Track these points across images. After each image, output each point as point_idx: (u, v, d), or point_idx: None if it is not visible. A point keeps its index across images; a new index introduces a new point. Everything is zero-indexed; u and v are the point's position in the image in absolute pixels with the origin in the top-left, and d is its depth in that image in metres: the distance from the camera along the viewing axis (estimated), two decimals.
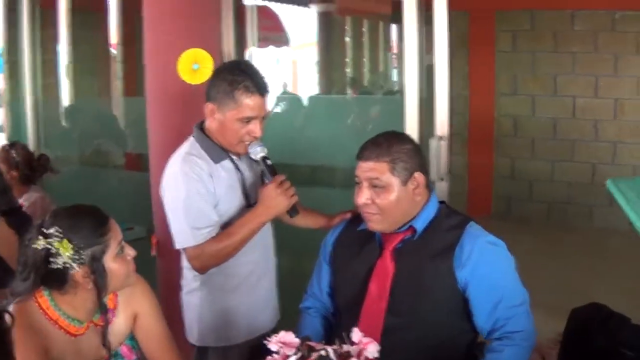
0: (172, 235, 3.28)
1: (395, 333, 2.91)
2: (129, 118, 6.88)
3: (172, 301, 3.62)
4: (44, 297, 2.57)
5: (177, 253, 3.40)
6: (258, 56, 5.78)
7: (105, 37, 8.30)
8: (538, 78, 9.63)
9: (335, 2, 11.26)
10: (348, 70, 12.74)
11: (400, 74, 5.24)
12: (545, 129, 9.66)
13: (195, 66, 4.18)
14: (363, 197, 2.98)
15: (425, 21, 4.06)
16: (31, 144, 6.39)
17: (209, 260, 3.23)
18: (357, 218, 3.24)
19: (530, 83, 9.71)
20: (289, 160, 4.71)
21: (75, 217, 2.57)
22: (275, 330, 2.38)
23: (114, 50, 8.42)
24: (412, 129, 4.02)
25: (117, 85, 8.31)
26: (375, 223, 3.01)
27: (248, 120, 3.20)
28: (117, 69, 8.28)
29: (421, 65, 4.09)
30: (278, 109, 5.88)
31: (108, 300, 2.73)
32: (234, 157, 3.34)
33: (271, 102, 3.56)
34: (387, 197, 2.94)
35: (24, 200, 4.73)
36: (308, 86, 12.18)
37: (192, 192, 3.17)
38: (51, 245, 2.47)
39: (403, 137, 3.15)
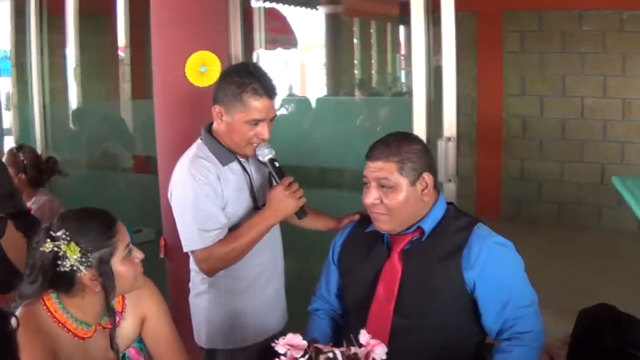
0: (180, 237, 3.28)
1: (403, 335, 2.91)
2: (137, 121, 6.89)
3: (181, 304, 3.63)
4: (51, 300, 2.58)
5: (186, 255, 3.40)
6: (266, 58, 5.77)
7: (113, 40, 8.29)
8: (546, 78, 9.62)
9: (343, 4, 11.25)
10: (356, 71, 12.73)
11: (408, 75, 5.23)
12: (554, 129, 9.64)
13: (203, 69, 4.18)
14: (371, 197, 2.97)
15: (433, 22, 4.06)
16: (39, 146, 6.42)
17: (217, 262, 3.23)
18: (365, 220, 3.24)
19: (539, 83, 9.69)
20: (297, 162, 4.70)
21: (82, 220, 2.58)
22: (283, 333, 2.37)
23: (121, 53, 8.42)
24: (420, 130, 4.01)
25: (125, 88, 8.31)
26: (383, 223, 3.00)
27: (256, 122, 3.20)
28: (125, 72, 8.28)
29: (429, 67, 4.08)
30: (284, 111, 5.86)
31: (116, 303, 2.74)
32: (242, 160, 3.34)
33: (278, 104, 3.55)
34: (396, 197, 2.94)
35: (32, 204, 4.74)
36: (316, 88, 12.16)
37: (200, 194, 3.17)
38: (59, 248, 2.48)
39: (412, 138, 3.14)
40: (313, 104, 6.48)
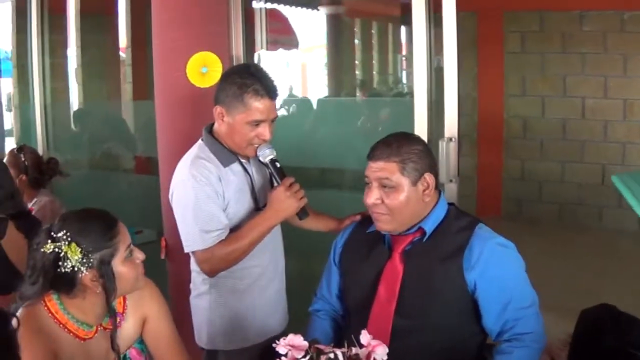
0: (182, 238, 3.28)
1: (404, 335, 2.91)
2: (138, 121, 6.89)
3: (182, 304, 3.63)
4: (52, 301, 2.58)
5: (187, 256, 3.40)
6: (267, 59, 5.76)
7: (115, 40, 8.30)
8: (547, 79, 9.61)
9: (344, 5, 11.25)
10: (357, 72, 12.72)
11: (410, 75, 5.23)
12: (555, 129, 9.63)
13: (204, 69, 4.18)
14: (372, 197, 2.98)
15: (434, 23, 4.06)
16: (40, 147, 6.42)
17: (218, 263, 3.23)
18: (366, 220, 3.24)
19: (540, 84, 9.68)
20: (298, 163, 4.70)
21: (84, 220, 2.58)
22: (284, 333, 2.37)
23: (123, 54, 8.43)
24: (421, 130, 4.01)
25: (127, 88, 8.31)
26: (384, 223, 3.00)
27: (257, 123, 3.20)
28: (126, 73, 8.29)
29: (430, 67, 4.08)
30: (284, 112, 5.86)
31: (117, 303, 2.74)
32: (243, 160, 3.35)
33: (278, 105, 3.56)
34: (397, 198, 2.94)
35: (34, 204, 4.73)
36: (317, 89, 12.15)
37: (201, 195, 3.17)
38: (60, 249, 2.48)
39: (413, 138, 3.14)
40: (314, 105, 6.48)
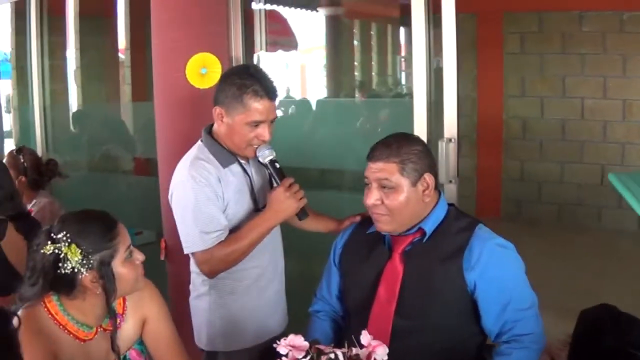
0: (181, 239, 3.28)
1: (404, 336, 2.91)
2: (137, 123, 6.89)
3: (182, 306, 3.62)
4: (52, 302, 2.58)
5: (187, 257, 3.40)
6: (266, 60, 5.76)
7: (114, 42, 8.30)
8: (546, 79, 9.62)
9: (343, 6, 11.25)
10: (356, 73, 12.72)
11: (409, 76, 5.23)
12: (554, 130, 9.64)
13: (204, 70, 4.18)
14: (372, 197, 2.97)
15: (434, 24, 4.06)
16: (39, 149, 6.43)
17: (218, 264, 3.23)
18: (366, 221, 3.24)
19: (539, 85, 9.69)
20: (298, 164, 4.70)
21: (83, 222, 2.58)
22: (284, 334, 2.37)
23: (122, 55, 8.43)
24: (421, 131, 4.02)
25: (126, 90, 8.31)
26: (384, 224, 3.00)
27: (257, 124, 3.20)
28: (125, 74, 8.29)
29: (429, 68, 4.08)
30: (285, 113, 5.86)
31: (117, 305, 2.74)
32: (242, 161, 3.34)
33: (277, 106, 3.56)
34: (397, 198, 2.94)
35: (33, 206, 4.74)
36: (316, 90, 12.16)
37: (200, 196, 3.17)
38: (60, 250, 2.48)
39: (413, 139, 3.14)
40: (313, 106, 6.48)
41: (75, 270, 2.48)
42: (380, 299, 3.00)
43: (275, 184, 3.31)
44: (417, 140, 3.16)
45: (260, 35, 5.87)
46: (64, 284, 2.52)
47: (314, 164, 5.31)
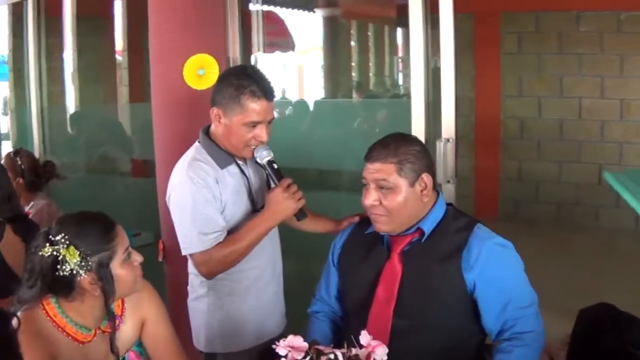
0: (179, 241, 3.27)
1: (404, 336, 2.90)
2: (134, 124, 6.89)
3: (180, 307, 3.62)
4: (51, 305, 2.57)
5: (184, 259, 3.39)
6: (264, 61, 5.75)
7: (111, 43, 8.30)
8: (544, 79, 9.62)
9: (341, 7, 11.25)
10: (354, 74, 12.73)
11: (406, 77, 5.23)
12: (552, 130, 9.64)
13: (201, 72, 4.18)
14: (370, 198, 2.97)
15: (431, 24, 4.06)
16: (37, 151, 6.43)
17: (216, 265, 3.22)
18: (364, 221, 3.24)
19: (536, 84, 9.70)
20: (295, 165, 4.69)
21: (81, 223, 2.57)
22: (282, 335, 2.36)
23: (119, 57, 8.43)
24: (418, 131, 4.02)
25: (123, 91, 8.31)
26: (382, 224, 3.00)
27: (254, 124, 3.19)
28: (122, 76, 8.28)
29: (427, 68, 4.08)
30: (277, 115, 5.87)
31: (115, 306, 2.73)
32: (240, 162, 3.34)
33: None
34: (395, 199, 2.93)
35: (30, 208, 4.73)
36: (314, 90, 12.17)
37: (198, 197, 3.16)
38: (58, 252, 2.47)
39: (410, 139, 3.14)
40: (311, 107, 6.48)
41: (74, 272, 2.48)
42: (379, 299, 3.00)
43: (273, 185, 3.30)
44: (415, 140, 3.16)
45: (257, 37, 5.87)
46: (62, 286, 2.51)
47: (312, 164, 5.31)
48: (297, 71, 12.18)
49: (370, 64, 13.46)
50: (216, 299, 3.40)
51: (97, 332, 2.67)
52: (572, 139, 9.54)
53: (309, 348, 2.26)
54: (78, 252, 2.48)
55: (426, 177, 2.97)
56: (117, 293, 2.61)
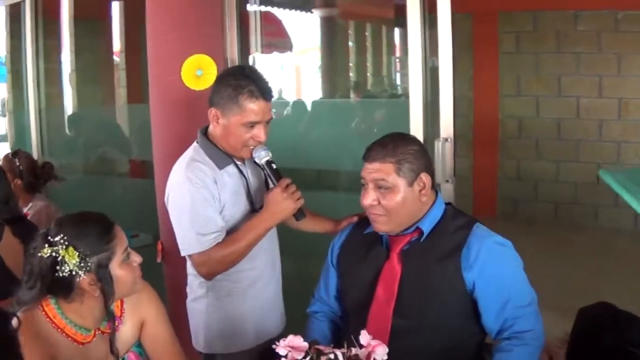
0: (178, 241, 3.27)
1: (403, 336, 2.90)
2: (132, 125, 6.88)
3: (179, 308, 3.62)
4: (50, 306, 2.57)
5: (183, 260, 3.39)
6: (262, 62, 5.75)
7: (109, 45, 8.29)
8: (542, 79, 9.64)
9: (338, 7, 11.25)
10: (351, 74, 12.73)
11: (404, 77, 5.24)
12: (550, 129, 9.66)
13: (199, 72, 4.17)
14: (369, 198, 2.97)
15: (429, 24, 4.06)
16: (35, 152, 6.42)
17: (215, 266, 3.22)
18: (363, 221, 3.23)
19: (534, 84, 9.71)
20: (294, 165, 4.69)
21: (80, 224, 2.57)
22: (282, 336, 2.36)
23: (117, 58, 8.42)
24: (417, 131, 4.02)
25: (121, 92, 8.30)
26: (381, 224, 3.00)
27: (252, 125, 3.19)
28: (120, 77, 8.28)
29: (425, 68, 4.08)
30: (281, 114, 5.86)
31: (114, 307, 2.73)
32: (238, 163, 3.33)
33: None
34: (393, 198, 2.93)
35: (29, 209, 4.72)
36: (312, 91, 12.17)
37: (197, 198, 3.16)
38: (57, 253, 2.47)
39: (409, 138, 3.14)
40: (309, 107, 6.48)
41: (73, 273, 2.48)
42: (379, 299, 3.00)
43: (271, 185, 3.29)
44: (413, 140, 3.16)
45: (255, 37, 5.88)
46: (61, 287, 2.51)
47: (310, 164, 5.31)
48: (295, 71, 12.17)
49: (368, 64, 13.46)
50: (215, 299, 3.40)
51: (97, 333, 2.67)
52: (570, 138, 9.55)
53: (309, 348, 2.26)
54: (77, 253, 2.48)
55: (425, 177, 2.97)
56: (116, 294, 2.61)
